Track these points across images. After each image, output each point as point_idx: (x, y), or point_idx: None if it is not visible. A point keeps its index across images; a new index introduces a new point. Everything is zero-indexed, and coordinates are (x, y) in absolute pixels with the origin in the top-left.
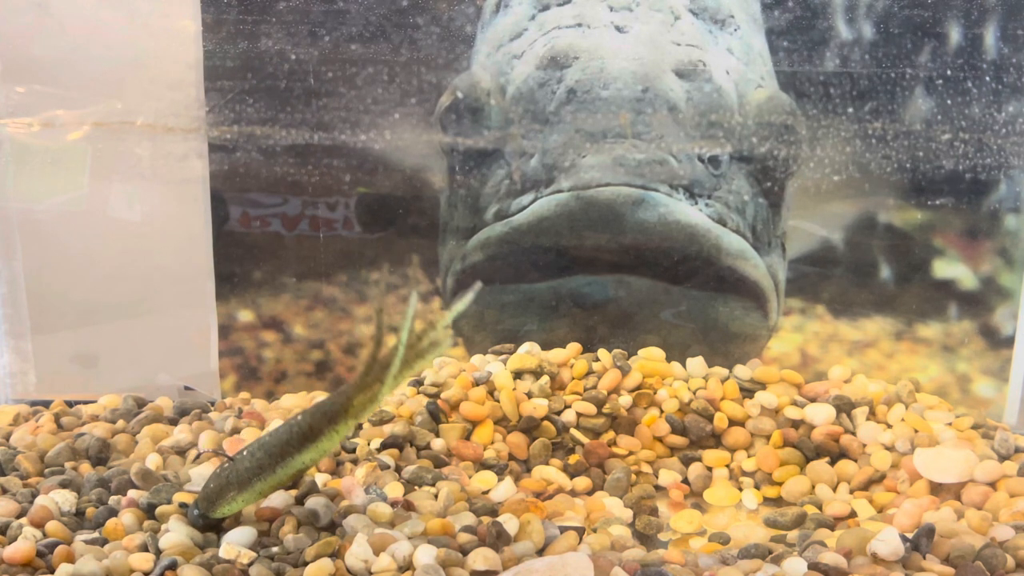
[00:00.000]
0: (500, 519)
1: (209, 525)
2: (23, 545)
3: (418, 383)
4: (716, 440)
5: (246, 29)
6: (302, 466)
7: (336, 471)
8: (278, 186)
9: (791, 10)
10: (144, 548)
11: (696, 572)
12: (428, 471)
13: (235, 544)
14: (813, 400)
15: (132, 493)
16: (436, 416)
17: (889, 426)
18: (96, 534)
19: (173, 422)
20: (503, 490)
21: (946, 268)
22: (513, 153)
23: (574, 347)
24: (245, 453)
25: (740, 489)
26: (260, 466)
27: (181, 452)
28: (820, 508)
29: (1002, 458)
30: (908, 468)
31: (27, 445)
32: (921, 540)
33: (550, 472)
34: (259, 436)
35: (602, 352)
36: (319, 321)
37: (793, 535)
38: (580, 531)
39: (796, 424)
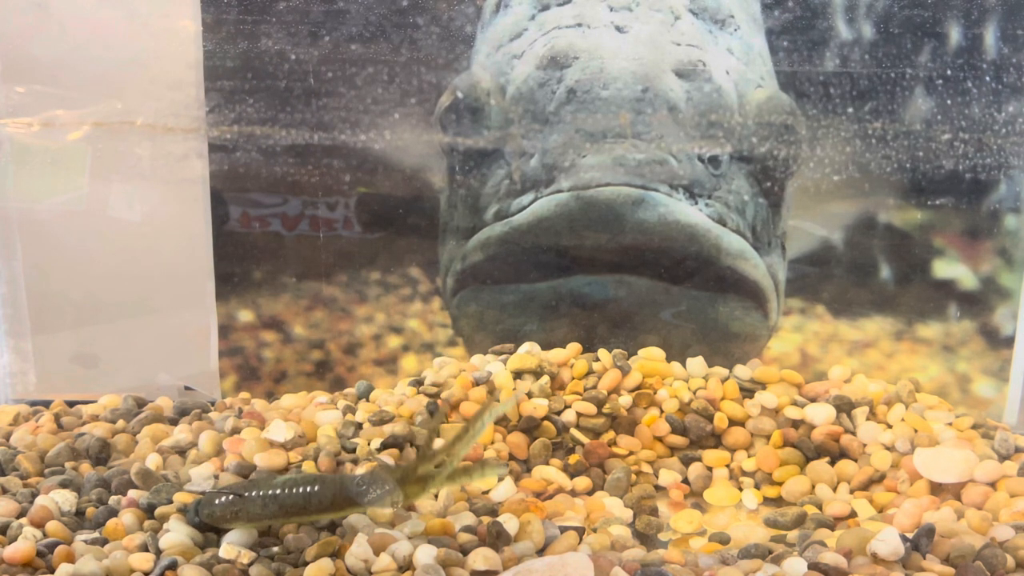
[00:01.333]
0: (500, 519)
1: (209, 526)
2: (23, 545)
3: (418, 383)
4: (716, 440)
5: (246, 29)
6: (314, 521)
7: (336, 471)
8: (278, 186)
9: (791, 10)
10: (144, 548)
11: (696, 572)
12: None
13: (235, 544)
14: (813, 400)
15: (132, 493)
16: (436, 416)
17: (889, 426)
18: (96, 534)
19: (173, 422)
20: (503, 490)
21: (946, 268)
22: (513, 153)
23: (574, 347)
24: (257, 497)
25: (740, 489)
26: (271, 515)
27: (181, 452)
28: (820, 508)
29: (1002, 458)
30: (908, 468)
31: (27, 445)
32: (921, 540)
33: (550, 472)
34: (274, 482)
35: (602, 352)
36: (319, 321)
37: (793, 535)
38: (580, 531)
39: (796, 424)
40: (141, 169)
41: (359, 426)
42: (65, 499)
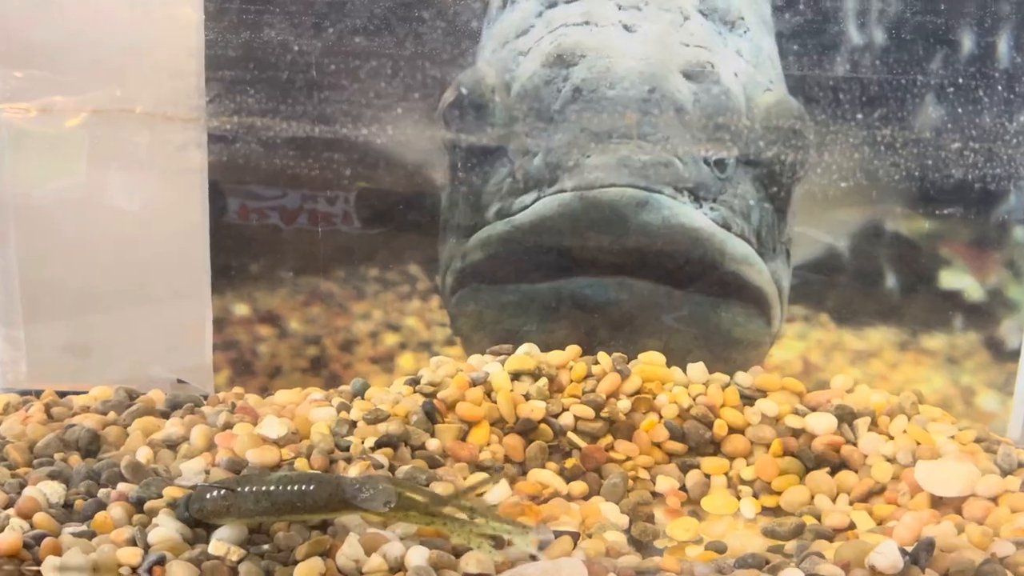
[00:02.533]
0: None
1: (199, 522)
2: (10, 536)
3: (415, 382)
4: (715, 447)
5: (248, 19)
6: (305, 520)
7: (329, 469)
8: (277, 179)
9: (802, 13)
10: (133, 542)
11: None
12: (422, 471)
13: (224, 541)
14: (814, 409)
15: (122, 486)
16: (432, 416)
17: (891, 437)
18: (84, 527)
19: (165, 415)
20: (498, 493)
21: (953, 279)
22: (516, 151)
23: (573, 349)
24: (249, 493)
25: (738, 498)
26: (264, 511)
27: (172, 446)
28: (819, 519)
29: (1004, 472)
30: (909, 480)
31: (16, 435)
32: (920, 554)
33: (546, 475)
34: (268, 479)
35: (602, 355)
36: (316, 317)
37: (791, 546)
38: (575, 536)
39: (797, 433)
40: (139, 158)
41: (353, 424)
42: (53, 491)
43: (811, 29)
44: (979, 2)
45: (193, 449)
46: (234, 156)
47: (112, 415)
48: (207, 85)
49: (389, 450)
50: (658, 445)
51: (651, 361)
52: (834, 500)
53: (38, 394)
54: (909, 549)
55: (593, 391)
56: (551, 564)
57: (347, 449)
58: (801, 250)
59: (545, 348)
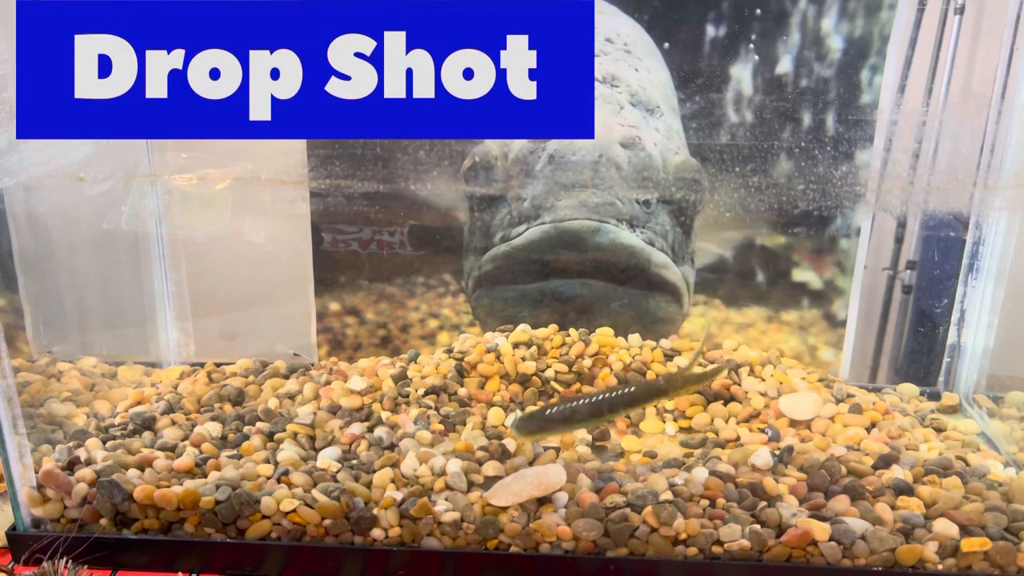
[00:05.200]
0: (504, 442)
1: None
2: (186, 459)
3: (449, 351)
4: None
5: None
6: (618, 415)
7: (395, 409)
8: (356, 220)
9: (697, 102)
10: (267, 461)
11: (634, 476)
12: (456, 410)
13: (327, 458)
14: (712, 362)
15: (259, 424)
16: (461, 373)
17: (763, 380)
18: (235, 451)
19: (286, 377)
20: (508, 421)
21: (801, 274)
22: (512, 198)
23: (553, 327)
24: (583, 403)
25: (664, 421)
26: (594, 415)
27: (291, 397)
28: (717, 434)
29: (838, 401)
30: (775, 408)
31: (189, 393)
32: (784, 455)
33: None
34: (591, 394)
35: (572, 330)
36: (384, 310)
37: (699, 452)
38: (557, 449)
39: None
40: (264, 208)
41: (409, 379)
42: (214, 428)
43: (704, 112)
44: (814, 90)
45: (305, 399)
46: (327, 206)
47: (251, 378)
48: (308, 159)
49: (433, 396)
50: None
51: (604, 333)
52: (727, 422)
53: (203, 365)
54: (777, 452)
55: (567, 354)
56: (541, 468)
57: (406, 396)
58: (701, 258)
59: (535, 326)
